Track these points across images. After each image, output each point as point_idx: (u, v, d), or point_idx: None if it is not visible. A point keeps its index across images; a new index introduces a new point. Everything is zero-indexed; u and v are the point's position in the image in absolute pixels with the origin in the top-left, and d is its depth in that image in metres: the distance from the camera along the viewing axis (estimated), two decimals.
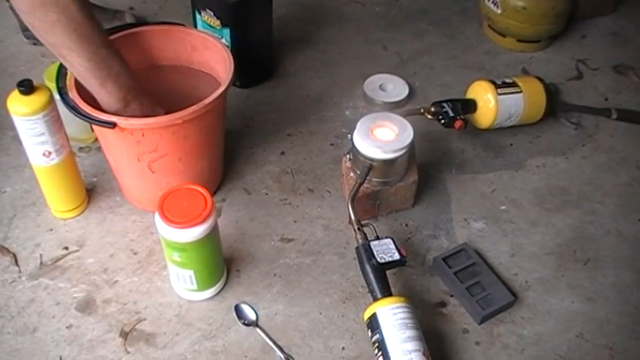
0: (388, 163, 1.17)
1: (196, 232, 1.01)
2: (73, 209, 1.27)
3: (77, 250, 1.22)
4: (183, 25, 1.29)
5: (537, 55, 1.72)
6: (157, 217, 1.01)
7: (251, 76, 1.52)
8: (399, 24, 1.83)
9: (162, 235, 1.02)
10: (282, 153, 1.41)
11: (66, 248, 1.22)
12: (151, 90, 1.24)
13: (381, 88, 1.54)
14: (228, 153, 1.35)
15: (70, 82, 1.13)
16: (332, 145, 1.43)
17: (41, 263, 1.20)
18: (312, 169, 1.38)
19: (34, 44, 1.69)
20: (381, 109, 1.51)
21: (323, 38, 1.76)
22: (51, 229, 1.26)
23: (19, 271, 1.19)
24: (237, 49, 1.45)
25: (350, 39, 1.76)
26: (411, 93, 1.56)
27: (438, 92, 1.57)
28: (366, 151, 1.16)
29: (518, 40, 1.72)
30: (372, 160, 1.17)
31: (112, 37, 1.22)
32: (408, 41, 1.76)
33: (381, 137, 1.18)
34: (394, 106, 1.51)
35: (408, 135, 1.18)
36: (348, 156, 1.24)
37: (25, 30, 1.74)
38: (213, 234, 1.04)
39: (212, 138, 1.21)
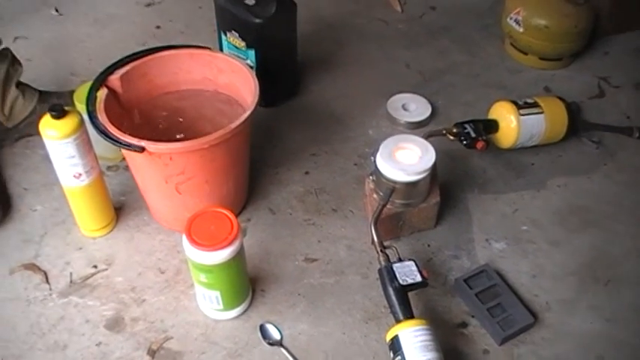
0: (411, 185, 1.19)
1: (223, 254, 1.03)
2: (102, 228, 1.30)
3: (106, 269, 1.25)
4: (209, 48, 1.31)
5: (559, 72, 1.73)
6: (185, 240, 1.04)
7: (276, 95, 1.54)
8: (422, 42, 1.84)
9: (190, 257, 1.05)
10: (307, 173, 1.43)
11: (95, 267, 1.25)
12: (178, 113, 1.27)
13: (404, 107, 1.56)
14: (254, 172, 1.38)
15: (99, 106, 1.16)
16: (355, 165, 1.45)
17: (71, 281, 1.23)
18: (336, 188, 1.39)
19: None
20: (404, 128, 1.52)
21: (346, 56, 1.77)
22: (80, 248, 1.29)
23: (50, 289, 1.22)
24: (262, 70, 1.48)
25: (373, 57, 1.78)
26: (434, 112, 1.57)
27: (460, 111, 1.58)
28: (389, 174, 1.18)
29: (540, 58, 1.73)
30: (395, 182, 1.18)
31: (139, 60, 1.24)
32: (431, 59, 1.77)
33: (404, 160, 1.19)
34: (417, 126, 1.52)
35: (430, 157, 1.19)
36: (371, 177, 1.26)
37: None
38: (239, 256, 1.06)
39: (238, 160, 1.23)
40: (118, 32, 1.90)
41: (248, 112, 1.12)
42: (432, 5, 2.00)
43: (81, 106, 1.30)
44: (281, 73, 1.53)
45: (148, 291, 1.21)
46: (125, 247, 1.28)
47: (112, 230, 1.31)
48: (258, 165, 1.42)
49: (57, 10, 1.99)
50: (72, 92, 1.43)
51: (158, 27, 1.92)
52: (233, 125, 1.09)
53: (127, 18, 1.96)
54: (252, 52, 1.46)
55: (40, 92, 1.52)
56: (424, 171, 1.18)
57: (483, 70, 1.74)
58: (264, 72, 1.48)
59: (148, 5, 2.01)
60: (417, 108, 1.55)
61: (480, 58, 1.78)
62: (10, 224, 1.34)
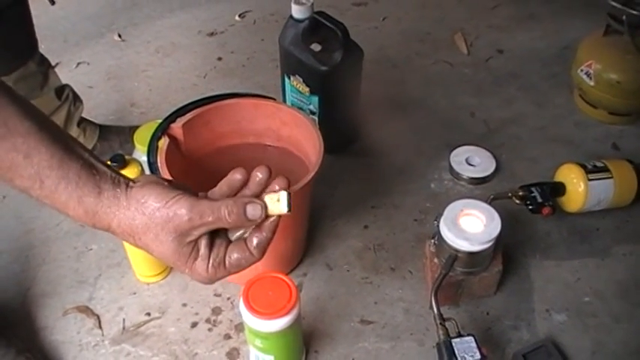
0: (474, 254, 1.17)
1: (280, 323, 1.03)
2: (157, 274, 1.31)
3: (159, 317, 1.25)
4: (273, 98, 1.31)
5: (628, 128, 1.69)
6: (242, 306, 1.04)
7: (336, 141, 1.51)
8: (487, 88, 1.82)
9: (246, 322, 1.05)
10: (366, 227, 1.42)
11: (148, 314, 1.26)
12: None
13: (468, 161, 1.54)
14: (311, 224, 1.37)
15: (161, 157, 1.16)
16: (415, 220, 1.43)
17: (124, 328, 1.24)
18: (395, 246, 1.38)
19: None
20: (467, 183, 1.51)
21: (409, 101, 1.76)
22: (134, 293, 1.30)
23: (102, 335, 1.23)
24: (325, 117, 1.48)
25: (437, 103, 1.76)
26: (498, 167, 1.55)
27: (524, 167, 1.56)
28: (453, 242, 1.17)
29: (610, 113, 1.69)
30: (458, 251, 1.17)
31: (202, 108, 1.25)
32: (496, 108, 1.75)
33: (469, 228, 1.17)
34: (480, 182, 1.50)
35: (495, 226, 1.17)
36: (432, 241, 1.25)
37: None
38: (296, 324, 1.06)
39: (298, 219, 1.23)
40: (179, 62, 1.92)
41: (311, 174, 1.12)
42: (499, 48, 1.97)
43: (141, 148, 1.30)
44: (343, 120, 1.52)
45: (200, 344, 1.21)
46: (179, 296, 1.29)
47: (166, 277, 1.32)
48: (315, 216, 1.41)
49: (120, 36, 2.01)
50: (132, 129, 1.45)
51: (219, 58, 1.93)
52: (296, 187, 1.08)
53: (189, 47, 1.98)
54: (315, 99, 1.46)
55: (100, 127, 1.53)
56: (489, 241, 1.16)
57: (550, 122, 1.71)
58: (326, 119, 1.49)
59: (211, 35, 2.03)
60: (480, 162, 1.53)
61: (547, 110, 1.75)
62: (66, 262, 1.36)
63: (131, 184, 0.72)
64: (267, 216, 0.72)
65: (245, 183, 0.76)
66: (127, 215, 0.70)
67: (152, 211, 0.70)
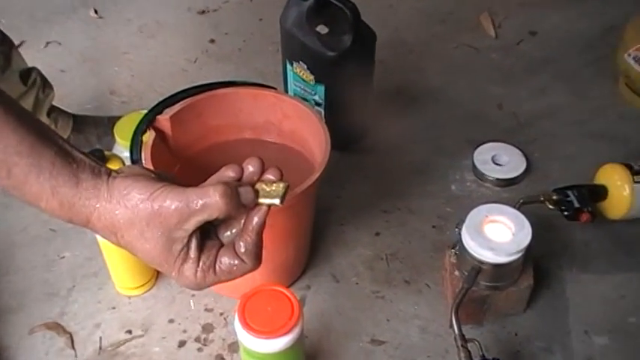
0: (500, 266, 1.19)
1: (280, 343, 1.04)
2: (140, 286, 1.33)
3: (141, 335, 1.27)
4: (274, 88, 1.33)
5: None
6: (237, 322, 1.06)
7: (345, 138, 1.53)
8: (518, 76, 1.83)
9: (241, 341, 1.07)
10: (377, 234, 1.44)
11: (129, 332, 1.28)
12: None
13: (494, 160, 1.55)
14: (316, 230, 1.38)
15: (146, 154, 1.18)
16: (434, 227, 1.45)
17: (100, 348, 1.26)
18: (410, 255, 1.40)
19: None
20: (493, 185, 1.53)
21: (429, 91, 1.78)
22: (113, 307, 1.32)
23: (75, 356, 1.24)
24: (332, 108, 1.50)
25: (460, 93, 1.77)
26: (528, 167, 1.56)
27: (559, 167, 1.57)
28: (476, 253, 1.18)
29: None
30: (482, 262, 1.18)
31: (193, 98, 1.27)
32: (528, 99, 1.77)
33: (494, 237, 1.19)
34: (508, 184, 1.52)
35: (525, 235, 1.19)
36: (453, 250, 1.27)
37: None
38: (297, 343, 1.07)
39: (301, 224, 1.25)
40: (165, 44, 1.94)
41: (317, 173, 1.13)
42: (531, 30, 1.98)
43: (122, 142, 1.32)
44: (353, 112, 1.53)
45: None
46: (165, 311, 1.31)
47: (151, 289, 1.34)
48: (320, 220, 1.42)
49: (96, 12, 2.01)
50: (111, 120, 1.46)
51: (212, 41, 1.94)
52: (298, 190, 1.10)
53: (178, 27, 1.99)
54: (321, 88, 1.48)
55: (75, 118, 1.54)
56: (517, 251, 1.18)
57: (590, 115, 1.72)
58: (333, 111, 1.51)
59: (202, 13, 2.04)
60: (509, 161, 1.55)
61: (586, 100, 1.76)
62: (34, 272, 1.37)
63: (113, 174, 0.74)
64: (257, 204, 0.75)
65: (238, 182, 0.77)
66: (109, 208, 0.72)
67: (136, 203, 0.71)
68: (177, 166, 1.28)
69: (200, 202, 0.71)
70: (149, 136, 1.22)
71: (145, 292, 1.35)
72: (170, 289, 1.34)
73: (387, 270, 1.39)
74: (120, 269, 1.31)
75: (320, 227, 1.43)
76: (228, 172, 0.78)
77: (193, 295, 1.34)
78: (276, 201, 0.75)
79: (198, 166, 1.28)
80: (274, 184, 0.77)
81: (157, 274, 1.36)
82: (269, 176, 0.78)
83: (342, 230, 1.46)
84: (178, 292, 1.34)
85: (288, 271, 1.32)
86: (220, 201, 0.71)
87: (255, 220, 0.76)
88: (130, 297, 1.34)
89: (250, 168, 0.78)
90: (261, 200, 0.75)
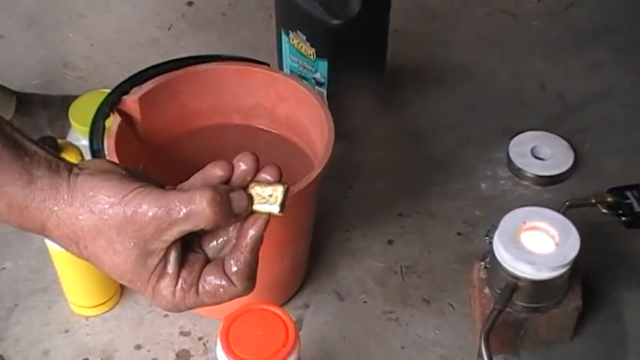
0: (541, 283, 1.20)
1: None
2: (100, 305, 1.34)
3: None
4: (266, 64, 1.35)
5: None
6: (219, 349, 1.06)
7: (353, 124, 1.53)
8: (566, 49, 1.84)
9: None
10: (390, 242, 1.46)
11: None
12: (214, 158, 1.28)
13: (534, 153, 1.57)
14: (316, 237, 1.39)
15: (109, 143, 1.19)
16: (459, 234, 1.47)
17: None
18: (430, 269, 1.42)
19: None
20: (532, 184, 1.54)
21: (455, 67, 1.79)
22: (66, 331, 1.32)
23: None
24: (336, 89, 1.52)
25: (493, 70, 1.79)
26: (577, 161, 1.58)
27: (616, 162, 1.58)
28: (511, 266, 1.20)
29: None
30: (519, 278, 1.20)
31: (168, 76, 1.29)
32: (577, 77, 1.78)
33: (534, 247, 1.20)
34: (551, 181, 1.53)
35: (572, 245, 1.20)
36: (483, 263, 1.28)
37: None
38: None
39: (298, 231, 1.27)
40: (132, 6, 1.94)
41: (318, 169, 1.14)
42: None
43: (80, 128, 1.33)
44: (362, 94, 1.53)
45: None
46: (132, 334, 1.31)
47: (113, 308, 1.35)
48: (323, 223, 1.43)
49: None
50: (65, 100, 1.47)
51: (190, 3, 1.94)
52: (295, 189, 1.10)
53: None
54: (323, 64, 1.49)
55: (19, 96, 1.54)
56: (562, 265, 1.19)
57: None
58: (338, 92, 1.52)
59: None
60: (552, 155, 1.57)
61: None
62: None
63: (76, 170, 0.73)
64: (252, 212, 0.74)
65: (227, 181, 0.76)
66: (70, 213, 0.72)
67: (104, 208, 0.71)
68: (145, 157, 1.29)
69: (183, 210, 0.70)
70: (113, 121, 1.23)
71: (107, 312, 1.35)
72: (137, 308, 1.35)
73: (403, 286, 1.40)
74: (75, 283, 1.31)
75: (321, 234, 1.44)
76: (216, 171, 0.76)
77: (166, 316, 1.34)
78: (275, 209, 0.74)
79: (174, 156, 1.30)
80: (271, 187, 0.75)
81: (122, 290, 1.37)
82: (265, 176, 0.77)
83: (347, 237, 1.47)
84: (147, 311, 1.34)
85: (281, 286, 1.34)
86: (208, 210, 0.70)
87: (251, 233, 0.75)
88: (87, 317, 1.34)
89: (242, 166, 0.76)
90: (257, 208, 0.74)
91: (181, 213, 0.70)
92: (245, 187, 0.75)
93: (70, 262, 1.26)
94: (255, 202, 0.74)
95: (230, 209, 0.72)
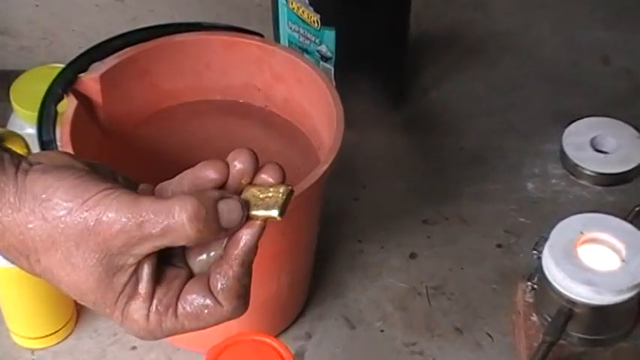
0: (603, 310, 1.20)
1: None
2: (51, 334, 1.33)
3: None
4: (259, 34, 1.34)
5: None
6: None
7: (367, 107, 1.55)
8: (634, 13, 1.84)
9: None
10: (413, 255, 1.46)
11: None
12: (199, 148, 1.28)
13: (595, 144, 1.57)
14: (322, 248, 1.39)
15: (64, 132, 1.18)
16: (499, 247, 1.47)
17: None
18: (463, 289, 1.42)
19: None
20: (592, 183, 1.54)
21: (494, 35, 1.80)
22: None
23: None
24: (346, 65, 1.52)
25: (541, 40, 1.79)
26: None
27: None
28: (565, 288, 1.19)
29: None
30: (575, 303, 1.20)
31: (136, 48, 1.29)
32: None
33: (594, 264, 1.20)
34: (616, 181, 1.53)
35: None
36: (529, 284, 1.28)
37: None
38: None
39: (299, 242, 1.26)
40: None
41: (325, 165, 1.14)
42: None
43: (25, 113, 1.33)
44: (378, 71, 1.55)
45: None
46: None
47: (67, 337, 1.35)
48: (329, 234, 1.44)
49: None
50: (4, 76, 1.47)
51: None
52: (296, 191, 1.08)
53: None
54: (330, 34, 1.49)
55: None
56: (630, 287, 1.18)
57: None
58: (348, 69, 1.52)
59: None
60: (617, 147, 1.57)
61: None
62: None
63: (24, 166, 0.72)
64: (249, 218, 0.73)
65: (222, 185, 0.75)
66: (18, 220, 0.71)
67: (61, 215, 0.70)
68: (109, 150, 1.28)
69: (159, 224, 0.68)
70: (68, 105, 1.23)
71: (59, 343, 1.35)
72: (97, 339, 1.34)
73: (428, 311, 1.40)
74: (19, 309, 1.31)
75: (328, 245, 1.45)
76: (208, 172, 0.74)
77: (134, 348, 1.34)
78: (274, 212, 0.72)
79: (145, 148, 1.30)
80: (272, 189, 0.74)
81: (78, 316, 1.36)
82: (265, 177, 0.75)
83: (360, 250, 1.47)
84: (110, 342, 1.34)
85: (278, 311, 1.34)
86: (188, 226, 0.68)
87: (244, 241, 0.73)
88: (33, 350, 1.34)
89: (237, 165, 0.74)
90: (253, 212, 0.73)
91: (156, 228, 0.68)
92: (240, 191, 0.74)
93: (12, 281, 1.25)
94: (252, 205, 0.73)
95: (217, 225, 0.70)
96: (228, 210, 0.70)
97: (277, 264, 1.25)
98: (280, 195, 0.72)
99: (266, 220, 0.72)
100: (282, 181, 0.75)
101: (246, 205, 0.71)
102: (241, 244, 0.72)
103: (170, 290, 0.73)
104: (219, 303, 0.73)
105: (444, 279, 1.44)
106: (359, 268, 1.45)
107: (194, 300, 0.73)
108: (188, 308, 0.73)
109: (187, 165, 0.76)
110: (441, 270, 1.45)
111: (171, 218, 0.67)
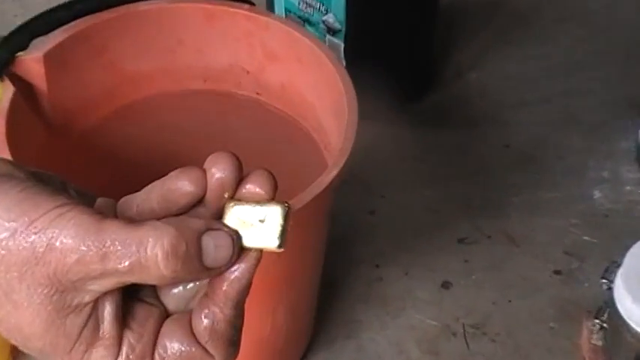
0: None
1: None
2: None
3: None
4: (249, 2, 1.32)
5: None
6: None
7: (386, 95, 1.53)
8: None
9: None
10: (446, 285, 1.45)
11: None
12: (174, 147, 1.28)
13: None
14: (330, 274, 1.38)
15: None
16: (557, 273, 1.46)
17: None
18: (511, 329, 1.41)
19: None
20: None
21: (543, 9, 1.79)
22: None
23: None
24: (360, 40, 1.52)
25: (612, 10, 1.78)
26: None
27: None
28: None
29: None
30: None
31: (90, 19, 1.27)
32: None
33: None
34: None
35: None
36: (597, 322, 1.26)
37: None
38: None
39: (300, 267, 1.25)
40: None
41: (334, 171, 1.12)
42: None
43: None
44: (400, 47, 1.55)
45: None
46: None
47: None
48: (339, 254, 1.43)
49: None
50: None
51: None
52: (299, 201, 1.08)
53: None
54: (338, 1, 1.48)
55: None
56: None
57: None
58: (364, 44, 1.52)
59: None
60: None
61: None
62: None
63: None
64: (242, 249, 0.69)
65: (199, 199, 0.71)
66: None
67: (0, 238, 0.68)
68: (57, 150, 1.26)
69: (127, 258, 0.66)
70: (2, 93, 1.22)
71: None
72: None
73: (466, 356, 1.39)
74: None
75: (337, 272, 1.44)
76: (182, 184, 0.71)
77: None
78: (272, 242, 0.68)
79: (103, 150, 1.29)
80: (262, 207, 0.69)
81: None
82: (252, 189, 0.71)
83: (378, 277, 1.46)
84: None
85: (274, 354, 1.34)
86: (163, 264, 0.66)
87: (235, 276, 0.70)
88: None
89: (216, 174, 0.70)
90: (246, 243, 0.69)
91: (122, 263, 0.66)
92: (221, 210, 0.70)
93: None
94: (243, 234, 0.68)
95: (199, 264, 0.67)
96: (216, 246, 0.67)
97: (272, 296, 1.23)
98: (275, 217, 0.68)
99: (261, 251, 0.68)
100: (274, 192, 0.70)
101: (238, 238, 0.68)
102: (232, 280, 0.69)
103: (144, 335, 0.70)
104: (207, 353, 0.70)
105: (485, 315, 1.43)
106: (377, 301, 1.44)
107: (176, 348, 0.70)
108: (172, 357, 0.70)
109: (157, 173, 0.71)
110: (482, 303, 1.44)
111: (142, 252, 0.65)
